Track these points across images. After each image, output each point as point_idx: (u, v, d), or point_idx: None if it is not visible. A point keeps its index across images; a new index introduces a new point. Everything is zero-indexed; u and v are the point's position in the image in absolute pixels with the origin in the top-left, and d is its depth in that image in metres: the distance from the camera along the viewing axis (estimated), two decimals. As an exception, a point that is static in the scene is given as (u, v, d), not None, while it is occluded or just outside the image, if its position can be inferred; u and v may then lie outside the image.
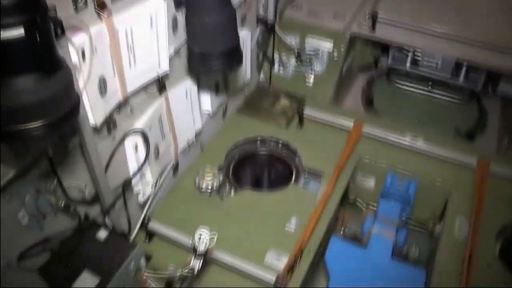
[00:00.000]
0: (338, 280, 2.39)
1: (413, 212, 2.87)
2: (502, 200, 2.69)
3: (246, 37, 2.83)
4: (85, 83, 1.66)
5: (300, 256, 2.34)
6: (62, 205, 1.87)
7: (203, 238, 2.09)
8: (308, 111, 3.14)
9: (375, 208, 2.89)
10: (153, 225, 2.42)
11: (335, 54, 3.31)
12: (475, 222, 2.54)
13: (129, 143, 2.13)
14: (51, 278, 1.86)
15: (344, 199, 2.94)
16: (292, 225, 2.48)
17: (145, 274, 2.03)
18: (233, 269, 2.29)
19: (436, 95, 3.79)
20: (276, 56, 3.42)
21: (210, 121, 2.85)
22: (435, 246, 2.59)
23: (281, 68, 3.44)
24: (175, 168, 2.61)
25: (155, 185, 2.39)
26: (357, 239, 2.67)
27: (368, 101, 3.79)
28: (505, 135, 3.43)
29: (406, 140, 2.99)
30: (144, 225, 2.40)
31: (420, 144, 2.97)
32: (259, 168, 3.02)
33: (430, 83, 3.75)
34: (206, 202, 2.59)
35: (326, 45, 3.31)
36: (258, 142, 3.01)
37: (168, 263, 2.16)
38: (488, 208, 2.64)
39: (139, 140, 2.16)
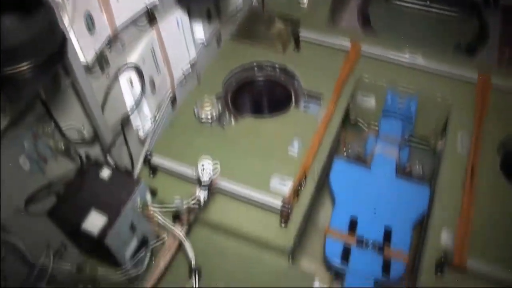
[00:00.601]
0: (343, 201, 2.41)
1: (415, 130, 2.86)
2: (503, 113, 2.68)
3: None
4: (71, 21, 1.60)
5: (305, 179, 2.35)
6: (62, 147, 1.85)
7: (207, 168, 2.08)
8: (304, 33, 3.06)
9: (377, 128, 2.87)
10: (156, 160, 2.42)
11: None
12: (476, 136, 2.53)
13: (123, 79, 2.09)
14: (60, 221, 1.88)
15: (346, 121, 2.93)
16: (294, 148, 2.49)
17: (152, 208, 2.03)
18: (239, 197, 2.31)
19: (435, 10, 3.69)
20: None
21: (204, 50, 2.79)
22: (438, 162, 2.59)
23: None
24: (173, 100, 2.58)
25: (154, 119, 2.37)
26: (361, 159, 2.68)
27: (365, 20, 3.70)
28: (506, 47, 3.36)
29: (405, 57, 2.93)
30: (146, 161, 2.40)
31: (420, 60, 2.91)
32: (258, 95, 2.99)
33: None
34: (208, 133, 2.57)
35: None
36: (255, 68, 2.96)
37: (173, 196, 2.15)
38: (490, 122, 2.63)
39: (133, 75, 2.12)
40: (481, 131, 2.57)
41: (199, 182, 2.12)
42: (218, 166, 2.12)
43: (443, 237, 2.21)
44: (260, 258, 2.25)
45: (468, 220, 2.22)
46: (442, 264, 2.12)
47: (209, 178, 2.08)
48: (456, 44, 3.46)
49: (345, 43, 2.99)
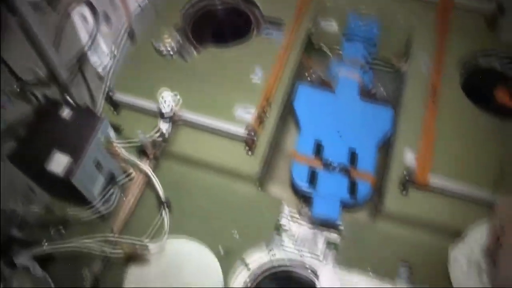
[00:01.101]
0: (308, 125, 2.42)
1: (378, 52, 2.84)
2: (465, 32, 2.68)
3: None
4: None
5: (269, 106, 2.35)
6: (17, 89, 1.80)
7: (167, 100, 2.06)
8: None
9: (340, 52, 2.83)
10: (118, 96, 2.38)
11: None
12: (438, 56, 2.55)
13: (76, 14, 2.02)
14: (22, 164, 1.86)
15: (309, 46, 2.89)
16: (257, 76, 2.48)
17: (116, 145, 2.02)
18: (204, 128, 2.31)
19: None
20: None
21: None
22: (401, 83, 2.61)
23: None
24: (131, 35, 2.50)
25: (113, 55, 2.31)
26: (324, 84, 2.66)
27: None
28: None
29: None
30: (108, 97, 2.35)
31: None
32: (218, 24, 2.93)
33: None
34: (169, 66, 2.54)
35: None
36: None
37: (137, 131, 2.14)
38: (451, 41, 2.64)
39: (86, 10, 2.04)
40: (443, 51, 2.58)
41: (161, 114, 2.09)
42: (179, 97, 2.09)
43: (406, 157, 2.26)
44: (228, 187, 2.28)
45: (430, 139, 2.27)
46: (406, 183, 2.17)
47: (171, 109, 2.06)
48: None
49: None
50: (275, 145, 2.50)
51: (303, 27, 2.68)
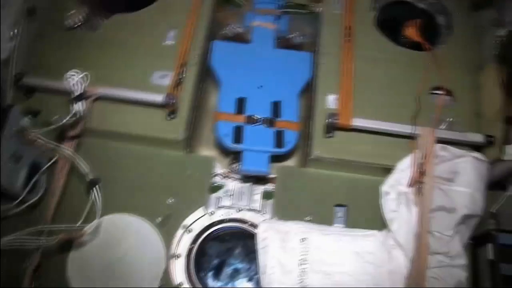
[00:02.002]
0: (227, 82, 2.39)
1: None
2: None
3: None
4: None
5: (185, 68, 2.31)
6: None
7: (75, 80, 1.99)
8: None
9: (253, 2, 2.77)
10: (28, 80, 2.26)
11: None
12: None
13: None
14: None
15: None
16: (170, 38, 2.43)
17: (32, 132, 1.94)
18: (122, 100, 2.24)
19: None
20: None
21: None
22: (317, 27, 2.60)
23: None
24: (31, 11, 2.37)
25: (14, 36, 2.20)
26: (240, 37, 2.61)
27: None
28: None
29: None
30: (17, 83, 2.24)
31: None
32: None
33: None
34: (78, 40, 2.43)
35: None
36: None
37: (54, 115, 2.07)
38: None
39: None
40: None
41: (72, 96, 2.03)
42: (86, 73, 2.03)
43: (328, 101, 2.28)
44: (156, 155, 2.26)
45: (349, 80, 2.30)
46: (330, 127, 2.20)
47: (80, 88, 1.99)
48: None
49: None
50: (198, 106, 2.47)
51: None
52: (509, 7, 2.31)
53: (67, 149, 2.06)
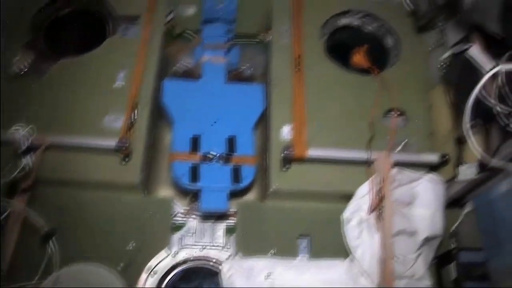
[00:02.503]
0: (181, 121, 2.35)
1: (241, 28, 2.80)
2: None
3: None
4: None
5: (136, 110, 2.28)
6: None
7: (20, 135, 1.94)
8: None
9: (202, 37, 2.75)
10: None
11: None
12: (298, 22, 2.55)
13: None
14: None
15: (171, 35, 2.82)
16: (121, 80, 2.38)
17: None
18: (73, 147, 2.18)
19: None
20: None
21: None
22: (268, 58, 2.60)
23: None
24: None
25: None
26: (191, 73, 2.59)
27: None
28: None
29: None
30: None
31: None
32: (71, 30, 2.76)
33: None
34: (24, 87, 2.36)
35: None
36: (60, 2, 2.70)
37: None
38: (310, 6, 2.65)
39: None
40: (301, 16, 2.58)
41: (19, 151, 1.98)
42: (32, 127, 1.98)
43: (283, 133, 2.28)
44: (113, 201, 2.21)
45: (302, 110, 2.30)
46: (286, 159, 2.19)
47: (28, 141, 1.94)
48: None
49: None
50: (154, 146, 2.44)
51: (158, 18, 2.59)
52: (450, 30, 2.36)
53: (17, 204, 1.99)
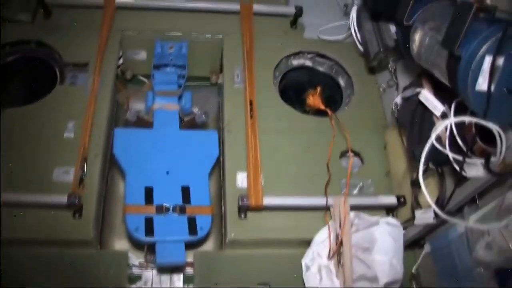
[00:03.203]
0: (133, 172, 2.28)
1: (193, 71, 2.75)
2: (271, 37, 2.73)
3: None
4: None
5: (85, 163, 2.20)
6: None
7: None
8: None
9: (152, 83, 2.68)
10: None
11: None
12: (249, 68, 2.54)
13: None
14: None
15: (123, 79, 2.76)
16: (70, 130, 2.31)
17: None
18: (24, 204, 2.08)
19: None
20: None
21: None
22: (220, 103, 2.58)
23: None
24: None
25: None
26: (143, 121, 2.52)
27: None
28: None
29: (167, 0, 2.81)
30: None
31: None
32: (17, 78, 2.68)
33: None
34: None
35: None
36: (7, 48, 2.61)
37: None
38: (261, 49, 2.65)
39: None
40: (252, 59, 2.57)
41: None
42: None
43: (238, 180, 2.25)
44: (68, 258, 2.11)
45: (256, 157, 2.27)
46: (242, 208, 2.16)
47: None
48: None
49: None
50: (107, 199, 2.37)
51: (109, 65, 2.53)
52: (400, 72, 2.39)
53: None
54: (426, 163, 1.86)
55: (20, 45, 2.63)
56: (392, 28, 2.34)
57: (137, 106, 2.68)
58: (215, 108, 2.76)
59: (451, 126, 1.71)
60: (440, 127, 1.75)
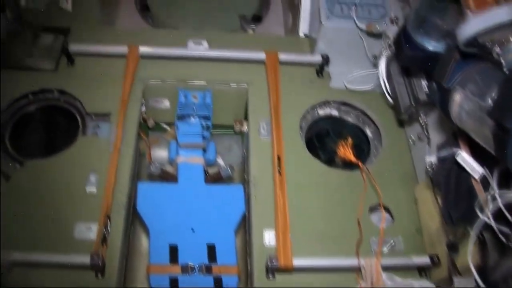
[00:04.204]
0: (157, 229, 2.21)
1: (216, 119, 2.68)
2: (298, 87, 2.66)
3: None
4: None
5: (109, 220, 2.13)
6: None
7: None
8: (74, 47, 2.68)
9: (176, 136, 2.60)
10: None
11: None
12: (275, 118, 2.47)
13: None
14: None
15: (145, 128, 2.71)
16: (92, 184, 2.24)
17: None
18: (43, 264, 2.01)
19: None
20: (17, -12, 2.85)
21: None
22: (246, 157, 2.51)
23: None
24: None
25: None
26: (167, 174, 2.46)
27: (143, 7, 3.47)
28: (288, 10, 3.35)
29: (190, 49, 2.75)
30: None
31: (206, 49, 2.75)
32: (40, 127, 2.64)
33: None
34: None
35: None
36: (30, 97, 2.58)
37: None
38: (287, 99, 2.58)
39: None
40: (279, 110, 2.51)
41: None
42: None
43: (266, 239, 2.17)
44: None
45: (284, 215, 2.19)
46: (270, 268, 2.07)
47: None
48: (240, 16, 3.40)
49: (122, 48, 2.69)
50: (129, 254, 2.29)
51: (132, 116, 2.47)
52: (432, 126, 2.32)
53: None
54: (464, 227, 1.77)
55: (42, 94, 2.59)
56: (424, 81, 2.28)
57: (159, 153, 2.64)
58: (238, 157, 2.70)
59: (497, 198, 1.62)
60: (483, 201, 1.66)
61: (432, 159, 2.07)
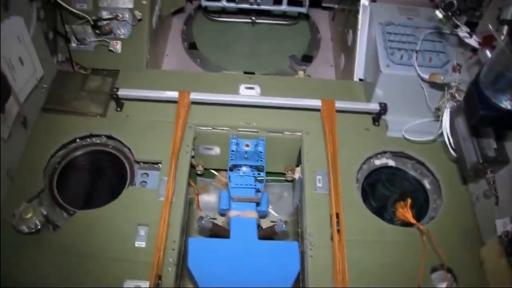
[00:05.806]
0: (209, 285, 2.09)
1: (268, 167, 2.55)
2: (353, 135, 2.55)
3: (17, 25, 2.30)
4: None
5: (159, 280, 2.03)
6: None
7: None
8: (124, 92, 2.63)
9: (228, 187, 2.47)
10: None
11: (137, 11, 2.80)
12: (333, 171, 2.36)
13: None
14: None
15: (193, 174, 2.62)
16: (142, 239, 2.16)
17: None
18: None
19: (262, 22, 3.62)
20: (69, 30, 2.83)
21: (10, 140, 2.29)
22: (300, 212, 2.40)
23: (79, 43, 2.87)
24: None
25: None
26: (220, 230, 2.34)
27: (191, 45, 3.45)
28: (341, 52, 3.27)
29: (243, 95, 2.69)
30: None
31: (257, 93, 2.70)
32: (87, 177, 2.58)
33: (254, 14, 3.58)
34: (36, 244, 2.14)
35: (125, 3, 2.79)
36: (78, 142, 2.53)
37: None
38: (343, 150, 2.47)
39: None
40: (337, 164, 2.40)
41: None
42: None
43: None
44: None
45: (344, 279, 2.06)
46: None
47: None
48: (290, 58, 3.34)
49: (173, 94, 2.62)
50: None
51: (183, 165, 2.39)
52: (501, 184, 2.17)
53: None
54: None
55: (90, 138, 2.55)
56: (493, 137, 2.14)
57: (207, 199, 2.57)
58: (289, 206, 2.58)
59: None
60: None
61: (508, 227, 1.92)
